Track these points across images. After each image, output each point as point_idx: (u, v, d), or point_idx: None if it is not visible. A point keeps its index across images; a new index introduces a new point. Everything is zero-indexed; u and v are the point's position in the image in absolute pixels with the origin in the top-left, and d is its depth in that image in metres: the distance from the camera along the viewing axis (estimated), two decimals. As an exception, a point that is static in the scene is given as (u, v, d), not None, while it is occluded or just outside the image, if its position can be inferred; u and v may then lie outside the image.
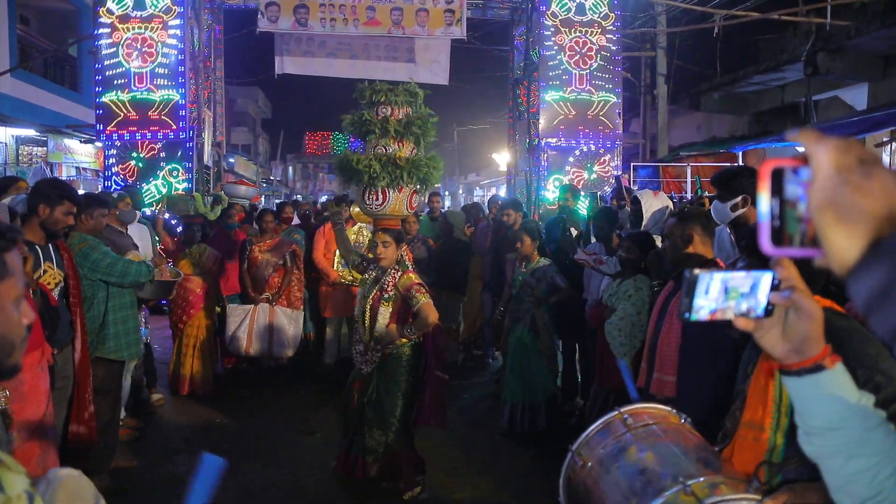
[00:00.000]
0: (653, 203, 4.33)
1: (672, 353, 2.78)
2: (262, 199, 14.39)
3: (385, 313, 3.65)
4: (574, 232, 5.35)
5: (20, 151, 13.38)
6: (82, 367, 3.15)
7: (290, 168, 39.03)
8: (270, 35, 10.25)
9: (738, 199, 3.06)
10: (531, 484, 4.02)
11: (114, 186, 8.80)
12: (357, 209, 6.40)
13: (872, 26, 8.50)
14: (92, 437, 3.16)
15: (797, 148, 8.78)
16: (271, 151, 37.22)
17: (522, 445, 4.61)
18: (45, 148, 13.32)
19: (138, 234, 5.07)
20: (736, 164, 3.14)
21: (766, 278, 0.87)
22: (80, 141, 12.16)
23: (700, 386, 2.67)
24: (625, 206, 4.55)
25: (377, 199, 3.99)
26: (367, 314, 3.70)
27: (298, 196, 29.77)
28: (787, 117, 11.86)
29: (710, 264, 2.80)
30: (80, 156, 13.91)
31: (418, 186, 4.11)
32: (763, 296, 0.88)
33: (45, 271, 3.06)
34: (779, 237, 0.73)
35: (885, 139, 8.50)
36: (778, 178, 0.73)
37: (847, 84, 10.17)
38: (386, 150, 4.02)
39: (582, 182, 9.28)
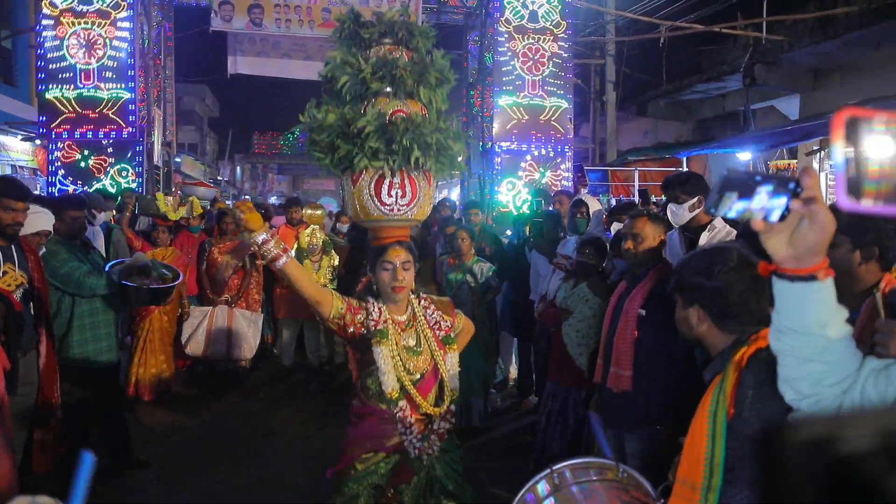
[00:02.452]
0: (593, 205, 4.58)
1: (627, 349, 2.92)
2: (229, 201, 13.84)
3: (455, 360, 2.58)
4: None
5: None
6: (47, 371, 3.09)
7: (239, 168, 38.25)
8: (221, 33, 10.11)
9: (695, 199, 3.28)
10: (479, 475, 4.18)
11: (58, 187, 8.52)
12: (310, 210, 6.40)
13: (803, 42, 9.04)
14: (57, 445, 3.11)
15: (737, 156, 9.15)
16: (219, 151, 36.41)
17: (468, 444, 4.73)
18: (-23, 145, 12.72)
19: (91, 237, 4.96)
20: (682, 170, 3.33)
21: (788, 185, 0.88)
22: (20, 138, 11.65)
23: (655, 378, 2.84)
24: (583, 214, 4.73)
25: (402, 197, 2.66)
26: (446, 372, 2.52)
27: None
28: (727, 124, 12.43)
29: (665, 264, 2.98)
30: (15, 153, 13.33)
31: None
32: (780, 202, 0.89)
33: (4, 272, 3.00)
34: (856, 190, 0.70)
35: (815, 147, 9.05)
36: (853, 128, 0.69)
37: (782, 94, 10.76)
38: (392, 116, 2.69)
39: (534, 183, 9.52)
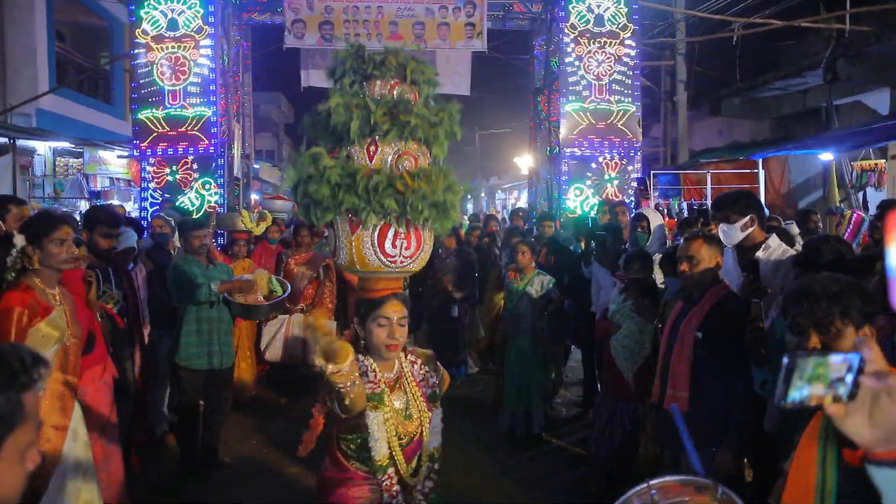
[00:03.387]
0: (654, 219, 4.54)
1: (684, 371, 2.94)
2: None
3: (438, 417, 2.45)
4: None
5: (57, 163, 13.91)
6: (142, 378, 3.44)
7: (313, 173, 39.52)
8: (295, 48, 10.57)
9: (747, 218, 3.25)
10: (531, 482, 4.28)
11: (150, 199, 9.18)
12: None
13: (893, 32, 8.53)
14: (151, 440, 3.45)
15: (820, 156, 8.72)
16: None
17: (522, 447, 4.89)
18: (80, 159, 13.82)
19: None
20: (732, 190, 3.24)
21: (854, 361, 0.81)
22: (117, 156, 12.64)
23: (711, 400, 2.85)
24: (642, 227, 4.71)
25: (407, 249, 2.45)
26: (414, 436, 2.36)
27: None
28: (809, 122, 11.87)
29: (721, 285, 2.98)
30: (113, 167, 14.39)
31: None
32: (849, 378, 0.83)
33: (104, 291, 3.36)
34: None
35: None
36: None
37: (870, 88, 10.18)
38: (398, 161, 2.49)
39: (604, 190, 9.44)
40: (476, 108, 24.53)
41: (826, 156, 9.11)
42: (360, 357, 2.26)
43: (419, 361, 2.43)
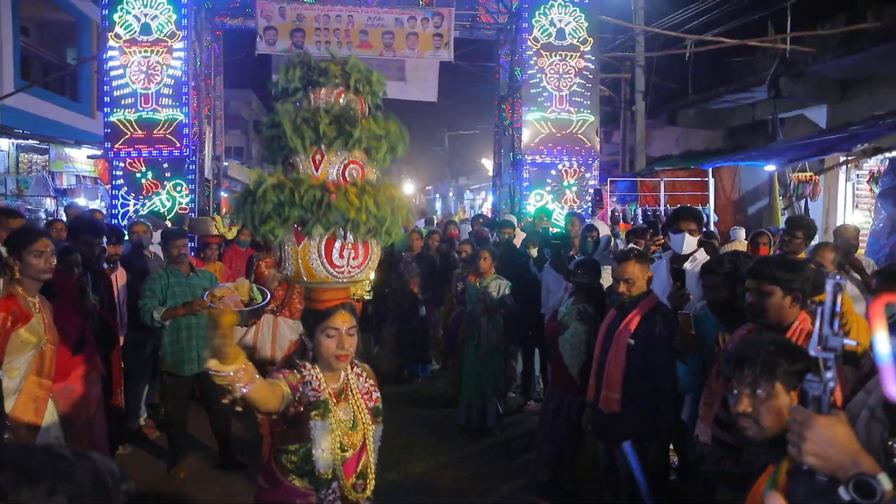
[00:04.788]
0: (603, 230, 5.02)
1: (618, 375, 3.29)
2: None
3: (379, 433, 2.42)
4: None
5: (20, 159, 13.82)
6: (115, 378, 3.75)
7: (283, 170, 39.37)
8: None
9: (701, 234, 3.71)
10: (483, 469, 4.73)
11: (121, 200, 9.33)
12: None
13: (828, 55, 9.19)
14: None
15: (765, 168, 9.33)
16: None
17: (476, 439, 5.30)
18: (45, 156, 13.74)
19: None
20: (692, 207, 3.61)
21: None
22: (87, 156, 12.66)
23: (642, 400, 3.25)
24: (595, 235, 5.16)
25: (354, 259, 2.37)
26: (371, 451, 2.37)
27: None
28: (758, 132, 12.56)
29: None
30: (79, 164, 14.36)
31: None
32: None
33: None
34: None
35: (842, 159, 9.19)
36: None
37: (811, 104, 10.88)
38: (344, 170, 2.46)
39: (566, 200, 9.92)
40: (445, 109, 24.93)
41: (770, 167, 9.75)
42: (308, 365, 2.25)
43: (364, 374, 2.43)
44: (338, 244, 2.33)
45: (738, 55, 11.77)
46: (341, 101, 2.48)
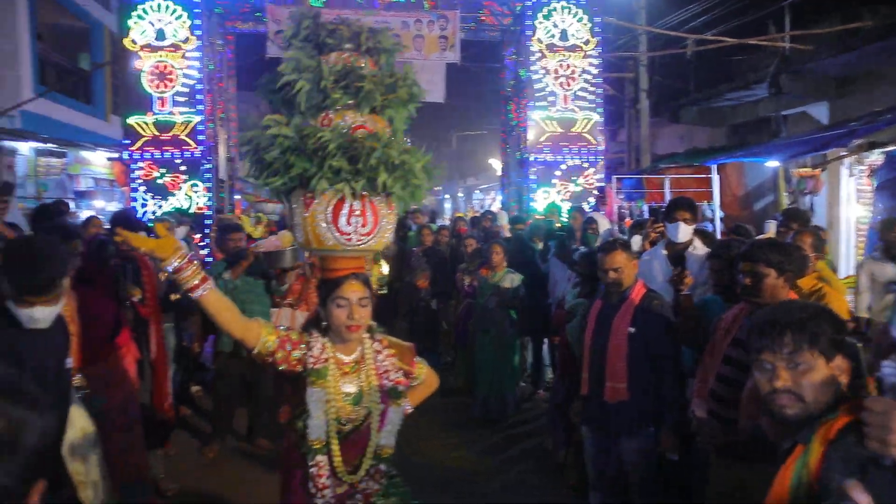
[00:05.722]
0: (602, 223, 5.25)
1: (622, 364, 3.27)
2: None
3: (398, 416, 2.34)
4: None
5: (38, 163, 14.16)
6: (158, 359, 4.00)
7: (291, 172, 39.77)
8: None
9: (696, 224, 3.92)
10: (498, 453, 4.96)
11: (141, 201, 9.62)
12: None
13: (824, 53, 9.37)
14: (168, 416, 4.02)
15: (767, 164, 9.53)
16: (272, 156, 37.95)
17: (493, 429, 5.47)
18: (63, 160, 14.07)
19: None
20: (688, 197, 3.77)
21: None
22: (107, 158, 13.00)
23: (646, 387, 3.26)
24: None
25: (363, 226, 2.30)
26: (377, 430, 2.30)
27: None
28: (761, 130, 12.71)
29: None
30: (96, 167, 14.69)
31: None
32: None
33: (125, 287, 3.93)
34: None
35: (842, 153, 9.35)
36: None
37: (812, 101, 11.04)
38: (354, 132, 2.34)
39: (569, 194, 10.13)
40: (452, 110, 25.15)
41: (772, 163, 9.93)
42: (316, 333, 2.24)
43: (387, 351, 2.33)
44: (345, 209, 2.27)
45: (740, 54, 11.95)
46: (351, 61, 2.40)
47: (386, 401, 2.28)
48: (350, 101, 2.37)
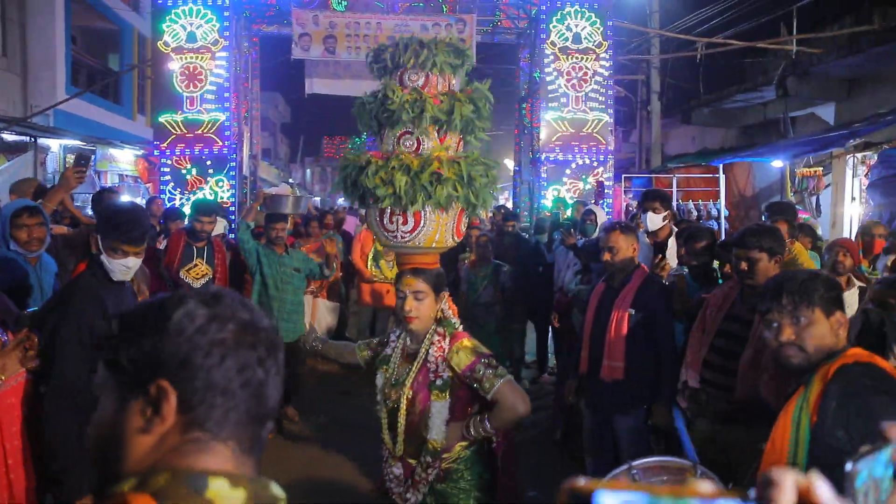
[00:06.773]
0: (600, 215, 5.63)
1: (621, 344, 3.37)
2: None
3: (442, 410, 2.35)
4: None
5: (67, 160, 14.76)
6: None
7: (308, 171, 40.47)
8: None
9: (667, 212, 4.28)
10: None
11: (168, 195, 10.12)
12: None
13: (832, 55, 9.63)
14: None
15: (772, 164, 9.85)
16: (290, 154, 38.65)
17: None
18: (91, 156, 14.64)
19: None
20: (658, 189, 4.07)
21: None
22: (134, 155, 13.54)
23: (643, 366, 3.38)
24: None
25: (404, 224, 2.58)
26: (404, 414, 2.39)
27: (317, 199, 31.21)
28: (770, 131, 12.96)
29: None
30: (122, 164, 15.28)
31: (470, 205, 2.79)
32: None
33: (195, 265, 4.36)
34: None
35: (835, 152, 9.60)
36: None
37: (821, 103, 11.28)
38: (420, 145, 2.66)
39: (577, 192, 10.48)
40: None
41: (777, 163, 10.20)
42: (397, 328, 2.56)
43: (445, 347, 2.40)
44: (388, 211, 2.67)
45: (749, 57, 12.21)
46: (449, 84, 2.85)
47: (423, 390, 2.37)
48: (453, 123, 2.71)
